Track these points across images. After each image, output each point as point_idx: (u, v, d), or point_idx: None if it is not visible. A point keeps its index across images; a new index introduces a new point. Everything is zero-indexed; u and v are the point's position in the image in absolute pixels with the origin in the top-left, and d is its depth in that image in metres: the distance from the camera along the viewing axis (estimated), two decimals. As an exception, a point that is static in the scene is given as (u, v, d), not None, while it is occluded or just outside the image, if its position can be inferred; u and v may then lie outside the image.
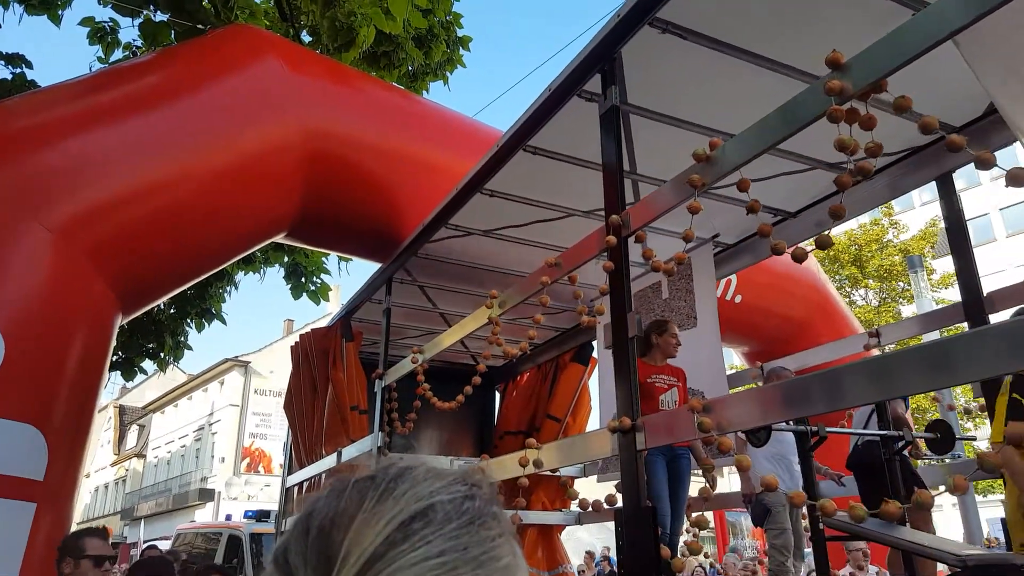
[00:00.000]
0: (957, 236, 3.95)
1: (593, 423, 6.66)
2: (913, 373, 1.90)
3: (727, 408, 2.45)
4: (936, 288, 21.51)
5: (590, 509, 4.00)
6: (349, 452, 5.50)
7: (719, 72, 3.59)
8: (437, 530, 0.57)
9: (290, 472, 7.21)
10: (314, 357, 6.43)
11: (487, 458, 4.17)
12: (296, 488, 6.85)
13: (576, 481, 6.35)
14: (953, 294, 21.52)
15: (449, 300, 6.37)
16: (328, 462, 5.79)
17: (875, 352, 4.26)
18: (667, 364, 4.50)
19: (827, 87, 2.19)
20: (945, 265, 24.56)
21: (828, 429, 3.69)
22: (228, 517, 11.02)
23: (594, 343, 6.72)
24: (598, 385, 5.49)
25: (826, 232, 2.36)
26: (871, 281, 22.78)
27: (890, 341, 4.29)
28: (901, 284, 22.03)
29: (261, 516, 9.03)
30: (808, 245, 2.80)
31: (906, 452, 4.03)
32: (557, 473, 6.25)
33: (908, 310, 21.58)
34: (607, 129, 3.31)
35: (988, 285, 3.70)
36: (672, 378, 4.45)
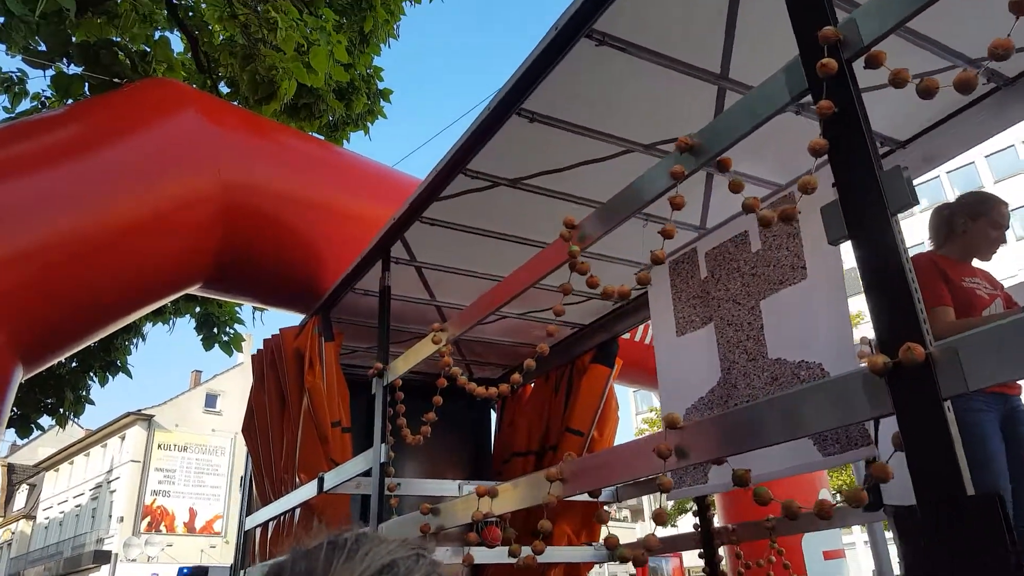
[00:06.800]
0: None
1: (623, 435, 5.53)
2: None
3: None
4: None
5: (843, 504, 1.96)
6: (339, 474, 4.22)
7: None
8: None
9: (249, 512, 5.76)
10: (284, 362, 5.06)
11: (573, 455, 2.92)
12: (259, 530, 5.41)
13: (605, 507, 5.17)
14: (861, 331, 21.52)
15: (453, 289, 5.12)
16: (306, 492, 4.45)
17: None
18: (976, 267, 3.21)
19: None
20: (857, 304, 24.59)
21: None
22: (154, 576, 9.33)
23: (618, 341, 5.58)
24: (658, 369, 4.36)
25: None
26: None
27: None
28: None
29: (197, 573, 7.47)
30: None
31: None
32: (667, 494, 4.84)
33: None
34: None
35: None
36: (990, 287, 3.02)
